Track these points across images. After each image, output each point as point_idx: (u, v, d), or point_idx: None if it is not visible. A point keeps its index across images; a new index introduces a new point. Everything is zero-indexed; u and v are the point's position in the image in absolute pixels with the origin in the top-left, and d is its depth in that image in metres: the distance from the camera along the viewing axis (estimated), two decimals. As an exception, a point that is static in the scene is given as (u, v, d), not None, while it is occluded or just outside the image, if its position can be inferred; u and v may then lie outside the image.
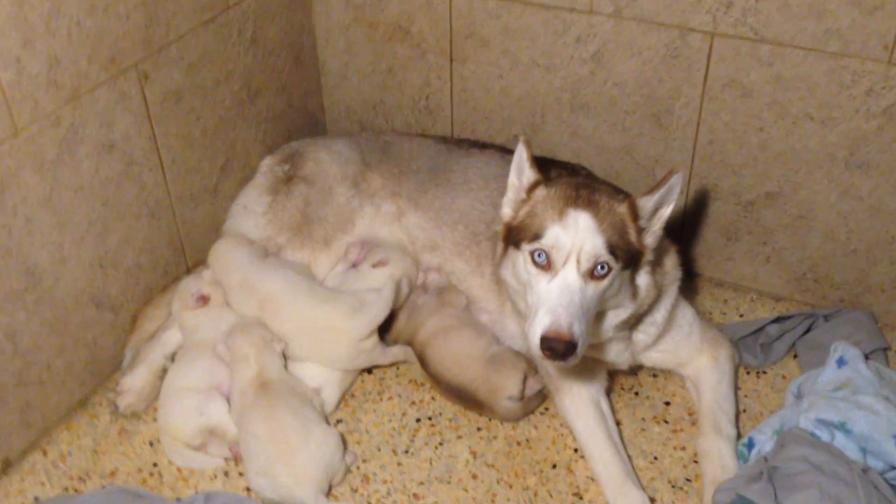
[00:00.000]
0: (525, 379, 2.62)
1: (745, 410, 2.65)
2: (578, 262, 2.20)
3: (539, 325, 2.16)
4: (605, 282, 2.23)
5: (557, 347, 2.13)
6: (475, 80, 3.16)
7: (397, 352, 2.77)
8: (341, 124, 3.53)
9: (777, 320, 2.85)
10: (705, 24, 2.69)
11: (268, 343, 2.61)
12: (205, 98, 2.88)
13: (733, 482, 2.26)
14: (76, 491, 2.46)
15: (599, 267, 2.21)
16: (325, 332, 2.63)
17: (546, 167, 2.48)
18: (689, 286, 3.01)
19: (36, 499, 2.45)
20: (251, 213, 3.02)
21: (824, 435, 2.32)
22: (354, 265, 2.95)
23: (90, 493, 2.34)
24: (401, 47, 3.23)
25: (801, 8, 2.54)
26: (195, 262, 3.02)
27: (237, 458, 2.51)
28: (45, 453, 2.57)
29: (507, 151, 3.01)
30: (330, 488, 2.43)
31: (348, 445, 2.58)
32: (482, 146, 3.10)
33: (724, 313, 3.03)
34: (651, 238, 2.35)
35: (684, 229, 3.07)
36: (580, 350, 2.15)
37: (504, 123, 3.20)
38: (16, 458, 2.53)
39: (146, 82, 2.63)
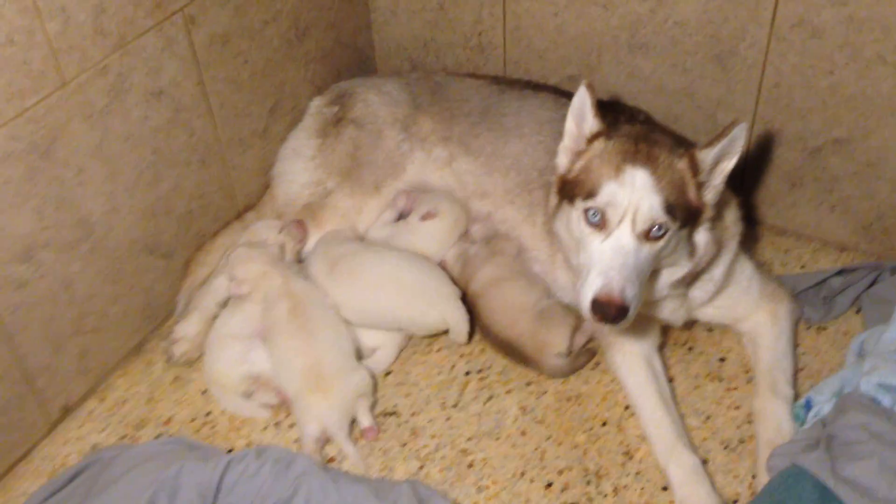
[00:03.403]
0: (574, 334, 2.58)
1: (803, 368, 2.58)
2: (634, 222, 2.12)
3: (590, 288, 2.11)
4: (661, 243, 2.16)
5: (608, 312, 2.08)
6: (529, 17, 3.04)
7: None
8: (391, 62, 3.44)
9: (841, 272, 2.75)
10: (776, -40, 2.53)
11: (276, 258, 2.63)
12: (252, 39, 2.81)
13: (789, 448, 2.21)
14: (133, 439, 2.52)
15: (656, 228, 2.13)
16: (418, 289, 2.59)
17: (603, 111, 2.37)
18: (749, 234, 2.90)
19: (94, 446, 2.51)
20: (300, 156, 2.98)
21: (886, 400, 2.23)
22: (402, 214, 2.92)
23: (146, 444, 2.38)
24: (452, -18, 3.12)
25: (882, -56, 2.37)
26: (246, 206, 3.01)
27: (284, 403, 2.53)
28: (102, 399, 2.63)
29: (562, 94, 2.92)
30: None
31: (398, 398, 2.59)
32: (536, 87, 2.99)
33: (785, 264, 2.93)
34: (711, 194, 2.26)
35: (746, 175, 2.96)
36: (632, 314, 2.10)
37: (559, 63, 3.09)
38: (74, 405, 2.59)
39: (193, 26, 2.57)
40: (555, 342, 2.57)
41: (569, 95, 2.85)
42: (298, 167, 2.97)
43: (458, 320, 2.59)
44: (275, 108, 3.01)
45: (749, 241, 2.83)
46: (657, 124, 2.81)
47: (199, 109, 2.69)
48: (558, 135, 2.63)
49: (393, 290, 2.57)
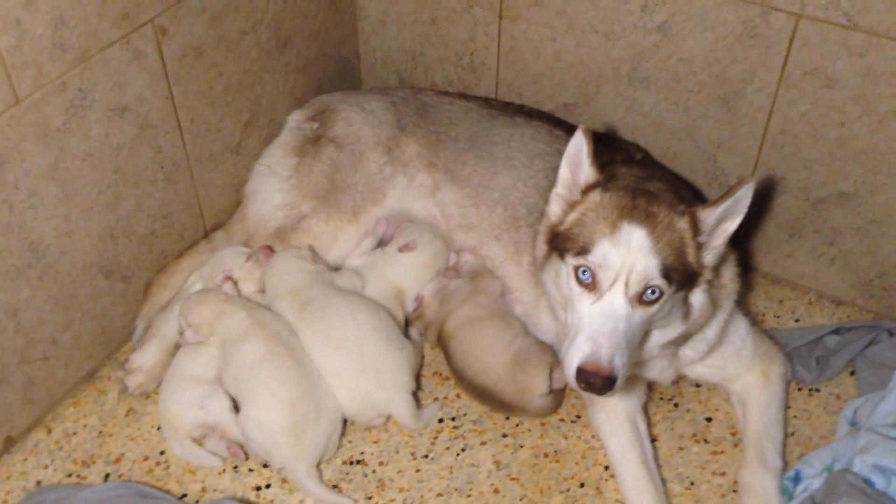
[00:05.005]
0: (552, 372, 2.45)
1: (793, 433, 2.46)
2: (627, 284, 1.98)
3: (577, 354, 1.97)
4: (655, 307, 2.01)
5: (595, 382, 1.94)
6: (525, 40, 2.86)
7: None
8: (378, 74, 3.26)
9: (836, 331, 2.63)
10: (791, 3, 2.38)
11: (230, 296, 2.49)
12: (228, 51, 2.63)
13: (777, 530, 2.09)
14: (79, 477, 2.36)
15: (650, 291, 1.99)
16: (374, 367, 2.39)
17: (599, 148, 2.21)
18: (744, 281, 2.75)
19: (38, 483, 2.34)
20: (275, 175, 2.80)
21: (880, 481, 2.12)
22: (382, 242, 2.75)
23: (92, 489, 2.21)
24: (446, -3, 2.94)
25: (906, -4, 2.22)
26: (214, 225, 2.83)
27: (235, 457, 2.38)
28: (49, 431, 2.46)
29: (557, 124, 2.77)
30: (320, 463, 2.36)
31: (365, 445, 2.44)
32: (529, 115, 2.82)
33: (779, 316, 2.80)
34: (711, 255, 2.12)
35: (743, 220, 2.80)
36: (619, 384, 1.96)
37: (554, 89, 2.92)
38: (19, 436, 2.42)
39: (164, 38, 2.39)
40: (535, 384, 2.43)
41: (564, 126, 2.74)
42: (273, 187, 2.79)
43: (402, 414, 2.40)
44: (250, 123, 2.83)
45: (743, 288, 2.68)
46: (656, 164, 2.68)
47: (166, 125, 2.50)
48: (550, 171, 2.50)
49: (351, 356, 2.38)
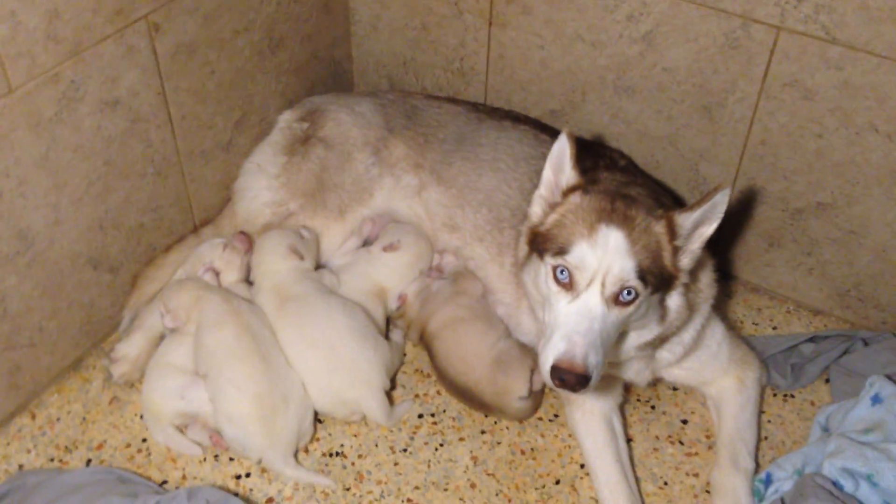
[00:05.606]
0: (532, 375, 2.49)
1: (766, 437, 2.50)
2: (603, 285, 2.02)
3: (552, 351, 2.00)
4: (631, 308, 2.05)
5: (569, 379, 1.98)
6: (514, 47, 2.92)
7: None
8: (369, 77, 3.31)
9: (812, 339, 2.68)
10: (772, 16, 2.43)
11: (209, 284, 2.54)
12: (221, 50, 2.67)
13: (746, 529, 2.13)
14: (61, 462, 2.39)
15: (626, 292, 2.03)
16: (346, 366, 2.43)
17: (583, 154, 2.26)
18: (723, 289, 2.80)
19: (20, 466, 2.37)
20: (264, 173, 2.84)
21: (849, 484, 2.16)
22: (367, 241, 2.79)
23: (74, 472, 2.25)
24: (437, 3, 2.98)
25: (882, 12, 2.27)
26: (203, 220, 2.87)
27: (217, 446, 2.41)
28: (33, 417, 2.49)
29: (543, 129, 2.82)
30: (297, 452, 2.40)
31: (345, 438, 2.48)
32: (516, 119, 2.87)
33: (757, 324, 2.84)
34: (687, 259, 2.15)
35: (723, 229, 2.85)
36: (594, 382, 1.99)
37: (541, 96, 2.97)
38: (3, 420, 2.45)
39: (157, 34, 2.43)
40: (515, 387, 2.47)
41: (550, 131, 2.79)
42: (262, 184, 2.83)
43: (374, 412, 2.44)
44: (241, 121, 2.87)
45: (722, 296, 2.73)
46: (638, 171, 2.72)
47: (157, 120, 2.54)
48: (535, 174, 2.54)
49: (324, 355, 2.42)
